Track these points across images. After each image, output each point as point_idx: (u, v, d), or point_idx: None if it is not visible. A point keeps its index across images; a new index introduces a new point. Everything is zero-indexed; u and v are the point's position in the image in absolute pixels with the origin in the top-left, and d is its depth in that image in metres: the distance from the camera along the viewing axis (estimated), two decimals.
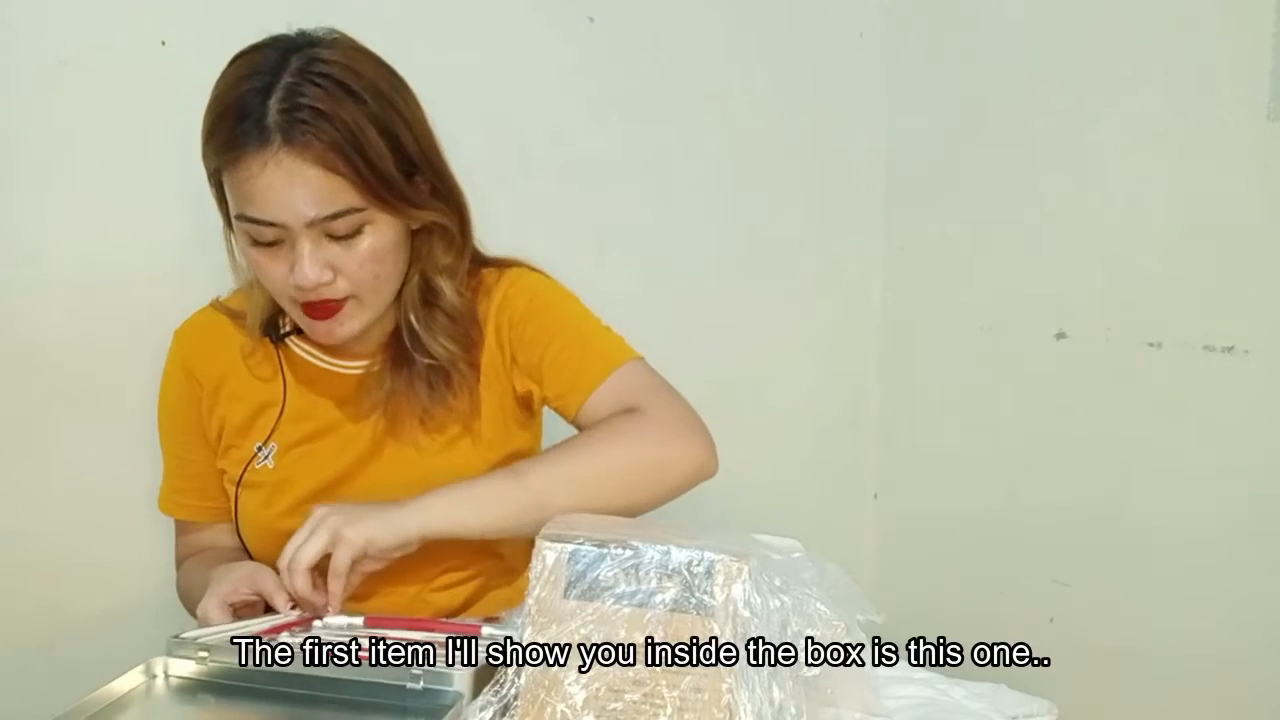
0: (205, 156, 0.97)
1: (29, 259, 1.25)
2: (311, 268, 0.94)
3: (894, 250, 1.77)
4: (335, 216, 0.94)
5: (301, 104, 0.91)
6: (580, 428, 1.07)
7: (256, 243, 0.96)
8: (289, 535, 0.97)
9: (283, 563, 0.92)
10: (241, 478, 1.08)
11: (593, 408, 1.05)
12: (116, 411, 1.28)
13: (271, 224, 0.94)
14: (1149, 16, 1.38)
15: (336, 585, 0.91)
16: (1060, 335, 1.52)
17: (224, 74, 0.96)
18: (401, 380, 1.06)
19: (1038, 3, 1.53)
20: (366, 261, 0.97)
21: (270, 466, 1.08)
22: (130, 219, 1.28)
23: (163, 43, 1.27)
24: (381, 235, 0.98)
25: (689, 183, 1.63)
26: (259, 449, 1.08)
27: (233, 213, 0.96)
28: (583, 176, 1.53)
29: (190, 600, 1.11)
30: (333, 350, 1.09)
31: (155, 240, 1.29)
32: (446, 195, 1.03)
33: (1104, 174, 1.45)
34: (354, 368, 1.10)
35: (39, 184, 1.24)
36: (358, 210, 0.95)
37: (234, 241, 1.03)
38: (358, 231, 0.96)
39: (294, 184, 0.92)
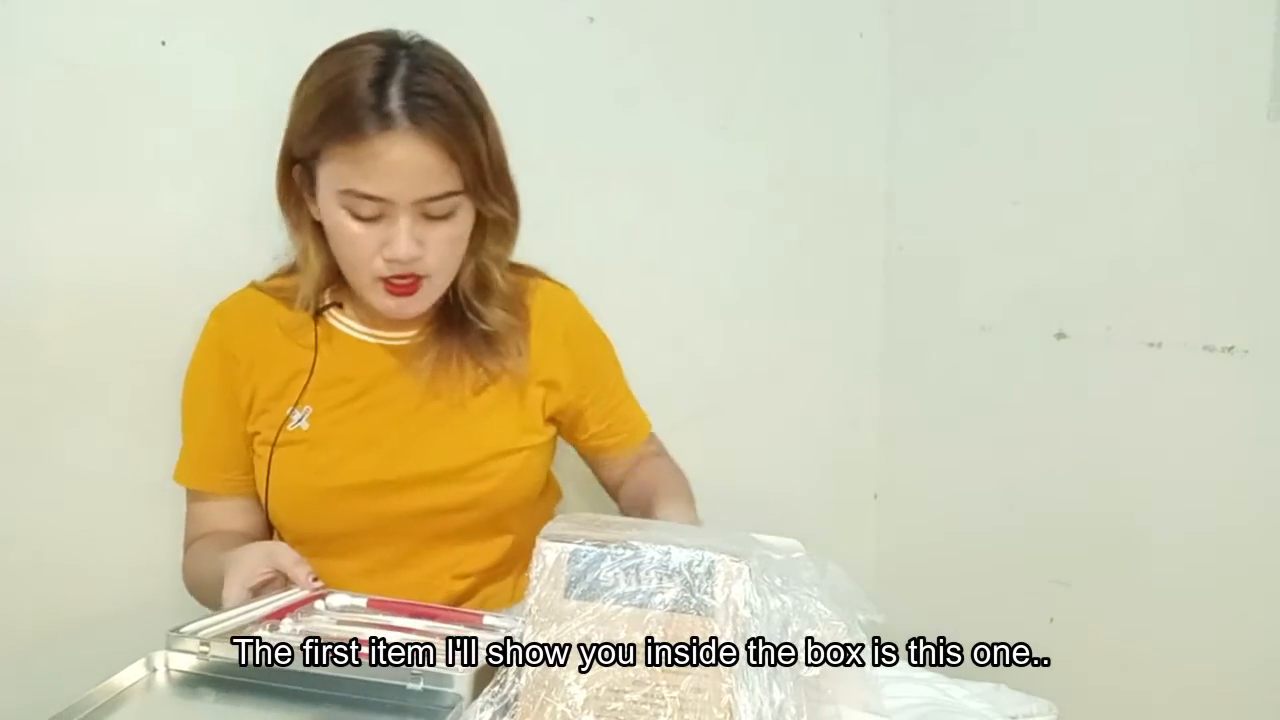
0: (307, 139, 1.02)
1: (29, 259, 1.25)
2: (409, 242, 1.01)
3: (894, 250, 1.77)
4: (439, 197, 1.01)
5: (422, 90, 0.98)
6: (609, 464, 1.26)
7: (356, 216, 1.01)
8: (323, 493, 1.07)
9: None
10: (276, 439, 1.10)
11: (630, 456, 1.26)
12: (116, 411, 1.28)
13: (380, 199, 0.99)
14: (1149, 16, 1.38)
15: None
16: (1060, 335, 1.52)
17: (327, 63, 1.02)
18: (454, 345, 1.13)
19: (1038, 3, 1.53)
20: (452, 242, 1.06)
21: (305, 428, 1.10)
22: (130, 219, 1.28)
23: (163, 43, 1.27)
24: (466, 220, 1.06)
25: (689, 183, 1.63)
26: (291, 412, 1.11)
27: (337, 187, 1.01)
28: (583, 176, 1.53)
29: (197, 584, 1.12)
30: (376, 323, 1.14)
31: (155, 240, 1.29)
32: (509, 190, 1.10)
33: (1104, 174, 1.45)
34: (399, 339, 1.14)
35: (39, 184, 1.24)
36: (457, 194, 1.02)
37: (292, 224, 1.10)
38: (450, 213, 1.04)
39: (413, 164, 0.99)
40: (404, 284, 1.05)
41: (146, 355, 1.18)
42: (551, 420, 1.19)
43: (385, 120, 0.97)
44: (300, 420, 1.11)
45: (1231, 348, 1.32)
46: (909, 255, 1.75)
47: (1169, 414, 1.40)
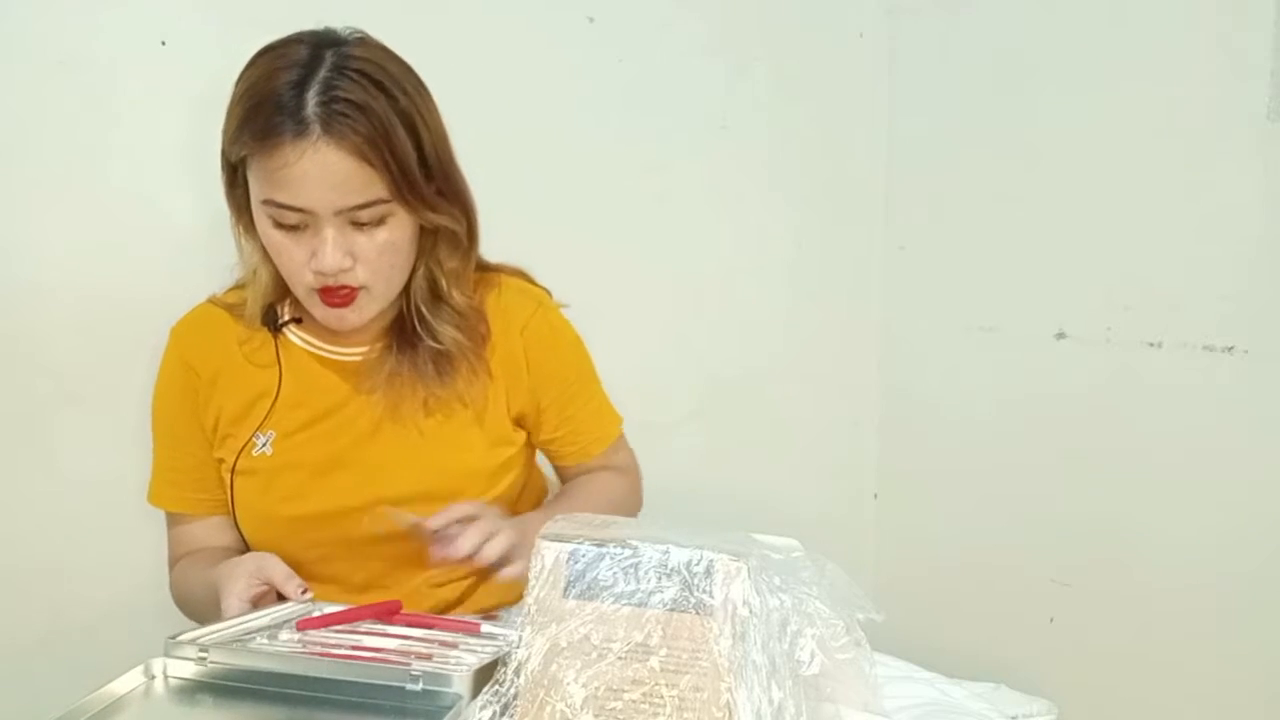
0: (232, 144, 0.99)
1: (29, 259, 1.25)
2: (334, 253, 0.98)
3: (894, 250, 1.77)
4: (363, 206, 0.97)
5: (339, 96, 0.95)
6: (561, 471, 1.24)
7: (280, 225, 0.99)
8: (289, 521, 1.04)
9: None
10: (235, 464, 1.08)
11: (583, 467, 1.22)
12: (116, 411, 1.28)
13: (300, 209, 0.96)
14: (1149, 17, 1.38)
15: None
16: (1060, 335, 1.52)
17: (253, 66, 0.99)
18: (405, 363, 1.09)
19: (1038, 3, 1.53)
20: (385, 251, 1.01)
21: (269, 454, 1.08)
22: (129, 219, 1.28)
23: (163, 43, 1.27)
24: (401, 228, 1.01)
25: (689, 183, 1.63)
26: (256, 436, 1.09)
27: (259, 197, 0.98)
28: (583, 176, 1.53)
29: (187, 601, 1.11)
30: (331, 338, 1.10)
31: (155, 240, 1.29)
32: (455, 199, 1.05)
33: (1104, 174, 1.45)
34: (353, 354, 1.11)
35: (39, 184, 1.24)
36: (384, 202, 0.98)
37: (240, 230, 1.06)
38: (380, 222, 1.00)
39: (328, 173, 0.95)
40: (338, 295, 1.01)
41: (146, 355, 1.18)
42: (519, 423, 1.15)
43: (300, 127, 0.93)
44: (265, 445, 1.08)
45: (1231, 348, 1.32)
46: (909, 255, 1.75)
47: (1169, 414, 1.40)
